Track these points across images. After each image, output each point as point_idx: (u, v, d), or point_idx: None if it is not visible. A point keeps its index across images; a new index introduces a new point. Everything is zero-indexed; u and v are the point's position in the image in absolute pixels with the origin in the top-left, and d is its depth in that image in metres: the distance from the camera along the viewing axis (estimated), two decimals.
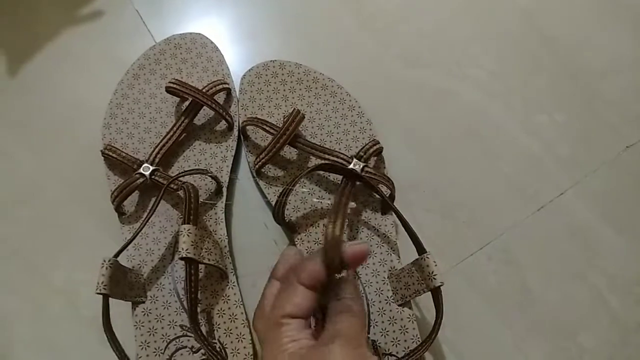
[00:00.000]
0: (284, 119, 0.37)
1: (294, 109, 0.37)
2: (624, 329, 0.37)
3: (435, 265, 0.31)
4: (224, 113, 0.38)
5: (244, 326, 0.34)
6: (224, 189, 0.38)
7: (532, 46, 0.45)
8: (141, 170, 0.36)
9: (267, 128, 0.37)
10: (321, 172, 0.39)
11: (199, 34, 0.41)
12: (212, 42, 0.41)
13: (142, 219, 0.37)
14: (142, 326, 0.34)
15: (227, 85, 0.39)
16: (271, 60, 0.41)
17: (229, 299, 0.35)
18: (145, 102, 0.40)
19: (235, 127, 0.39)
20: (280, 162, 0.39)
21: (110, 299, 0.31)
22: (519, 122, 0.42)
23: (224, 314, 0.35)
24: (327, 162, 0.36)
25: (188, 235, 0.32)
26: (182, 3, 0.45)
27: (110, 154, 0.37)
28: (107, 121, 0.39)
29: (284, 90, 0.40)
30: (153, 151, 0.37)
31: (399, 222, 0.38)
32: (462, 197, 0.40)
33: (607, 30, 0.45)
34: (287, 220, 0.37)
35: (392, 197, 0.37)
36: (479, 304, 0.38)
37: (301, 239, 0.37)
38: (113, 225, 0.37)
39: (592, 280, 0.38)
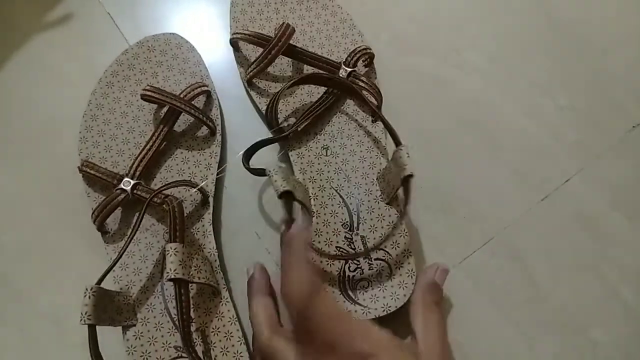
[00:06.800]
0: (275, 31, 0.36)
1: (284, 22, 0.36)
2: (638, 321, 0.35)
3: (408, 156, 0.32)
4: (205, 118, 0.36)
5: (241, 343, 0.33)
6: (211, 199, 0.36)
7: (531, 23, 0.42)
8: (122, 186, 0.34)
9: (258, 41, 0.37)
10: None
11: (173, 34, 0.39)
12: (187, 42, 0.39)
13: (127, 236, 0.35)
14: (135, 351, 0.33)
15: (205, 88, 0.37)
16: None
17: (223, 317, 0.33)
18: (121, 111, 0.37)
19: (218, 132, 0.37)
20: (271, 75, 0.39)
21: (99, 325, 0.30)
22: (520, 107, 0.40)
23: (219, 332, 0.33)
24: (316, 73, 0.36)
25: (175, 254, 0.30)
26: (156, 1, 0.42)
27: (88, 170, 0.35)
28: (82, 135, 0.37)
29: (276, 3, 0.41)
30: (133, 164, 0.35)
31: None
32: (463, 190, 0.38)
33: (607, 1, 0.42)
34: (280, 124, 0.37)
35: (378, 106, 0.37)
36: (485, 303, 0.36)
37: (298, 153, 0.37)
38: (99, 243, 0.36)
39: (603, 272, 0.36)
